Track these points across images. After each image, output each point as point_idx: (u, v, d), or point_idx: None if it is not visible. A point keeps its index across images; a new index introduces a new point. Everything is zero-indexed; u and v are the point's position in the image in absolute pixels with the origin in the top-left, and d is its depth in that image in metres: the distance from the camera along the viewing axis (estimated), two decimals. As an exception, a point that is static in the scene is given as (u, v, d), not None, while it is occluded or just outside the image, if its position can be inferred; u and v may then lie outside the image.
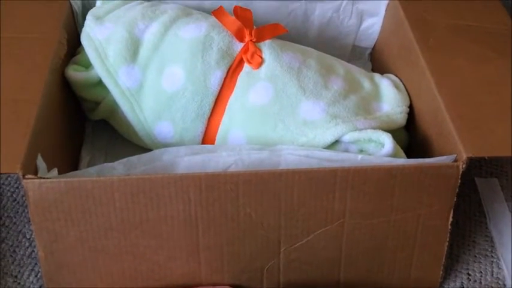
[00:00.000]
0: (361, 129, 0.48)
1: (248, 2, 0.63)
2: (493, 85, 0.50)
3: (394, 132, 0.51)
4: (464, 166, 0.42)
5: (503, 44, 0.55)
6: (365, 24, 0.67)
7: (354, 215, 0.44)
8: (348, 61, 0.68)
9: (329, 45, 0.68)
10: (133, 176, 0.40)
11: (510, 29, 0.57)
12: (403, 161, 0.44)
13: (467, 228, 0.54)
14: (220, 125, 0.51)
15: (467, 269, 0.51)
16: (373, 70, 0.69)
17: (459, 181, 0.43)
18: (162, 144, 0.52)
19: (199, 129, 0.51)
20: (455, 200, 0.44)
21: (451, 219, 0.45)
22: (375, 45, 0.69)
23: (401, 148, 0.52)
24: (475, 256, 0.52)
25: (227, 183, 0.41)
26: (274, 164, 0.44)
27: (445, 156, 0.44)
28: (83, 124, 0.57)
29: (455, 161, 0.44)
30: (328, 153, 0.45)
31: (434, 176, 0.43)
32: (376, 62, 0.68)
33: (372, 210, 0.44)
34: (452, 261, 0.51)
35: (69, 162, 0.52)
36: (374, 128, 0.49)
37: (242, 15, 0.55)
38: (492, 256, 0.52)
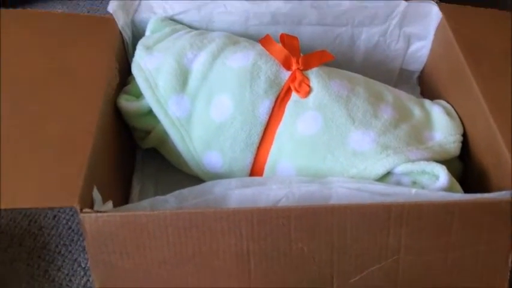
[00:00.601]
0: (413, 161, 0.47)
1: (294, 27, 0.63)
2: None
3: (447, 162, 0.50)
4: (525, 202, 0.41)
5: None
6: (413, 48, 0.66)
7: (409, 252, 0.42)
8: (396, 85, 0.68)
9: (376, 69, 0.67)
10: (186, 210, 0.40)
11: None
12: (459, 196, 0.43)
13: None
14: (269, 155, 0.51)
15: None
16: (422, 94, 0.67)
17: (520, 217, 0.41)
18: (211, 173, 0.52)
19: (248, 159, 0.51)
20: (515, 236, 0.42)
21: (511, 256, 0.43)
22: (423, 68, 0.67)
23: (456, 179, 0.51)
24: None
25: (279, 217, 0.40)
26: (325, 197, 0.44)
27: (503, 192, 0.42)
28: (133, 152, 0.58)
29: (514, 196, 0.42)
30: (381, 187, 0.44)
31: (494, 212, 0.41)
32: (425, 86, 0.67)
33: (428, 247, 0.42)
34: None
35: (121, 191, 0.53)
36: (427, 159, 0.48)
37: (289, 42, 0.55)
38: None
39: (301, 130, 0.50)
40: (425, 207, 0.41)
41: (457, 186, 0.47)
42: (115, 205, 0.43)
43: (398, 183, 0.48)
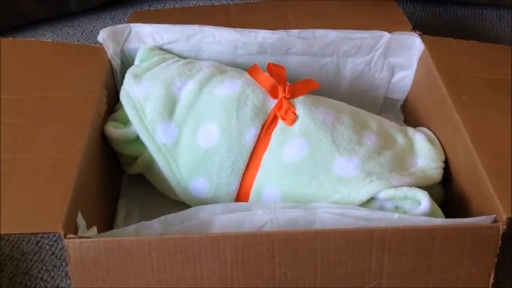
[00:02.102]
0: (396, 186, 0.48)
1: (281, 57, 0.64)
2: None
3: (429, 188, 0.51)
4: (504, 227, 0.41)
5: None
6: (396, 77, 0.68)
7: (391, 276, 0.43)
8: (380, 113, 0.69)
9: (361, 97, 0.68)
10: (171, 235, 0.41)
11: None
12: (441, 221, 0.43)
13: (507, 286, 0.53)
14: (255, 181, 0.51)
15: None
16: (405, 122, 0.69)
17: (500, 242, 0.42)
18: (197, 199, 0.53)
19: (234, 185, 0.51)
20: (496, 260, 0.43)
21: (492, 280, 0.43)
22: (407, 97, 0.69)
23: (437, 204, 0.52)
24: (519, 319, 0.50)
25: (263, 243, 0.41)
26: (309, 223, 0.44)
27: (483, 217, 0.43)
28: (120, 177, 0.59)
29: (495, 221, 0.43)
30: (364, 212, 0.45)
31: (474, 237, 0.42)
32: (409, 114, 0.69)
33: (410, 271, 0.43)
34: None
35: (107, 217, 0.53)
36: (409, 184, 0.49)
37: (276, 71, 0.56)
38: (536, 319, 0.50)
39: (287, 157, 0.51)
40: (407, 232, 0.41)
41: (439, 211, 0.48)
42: (100, 231, 0.43)
43: (381, 209, 0.48)
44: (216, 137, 0.52)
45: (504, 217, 0.42)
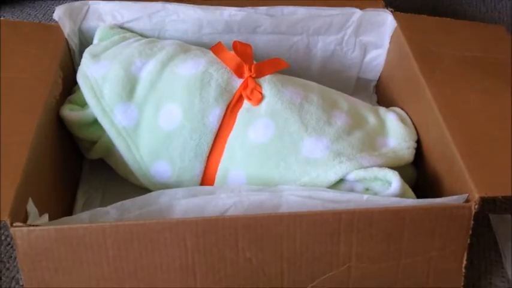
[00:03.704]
0: (366, 167, 0.46)
1: (249, 36, 0.62)
2: (504, 119, 0.48)
3: (401, 168, 0.49)
4: (476, 207, 0.40)
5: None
6: (369, 56, 0.66)
7: (360, 259, 0.41)
8: (353, 93, 0.67)
9: (333, 77, 0.66)
10: (126, 221, 0.38)
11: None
12: (411, 201, 0.42)
13: (482, 268, 0.52)
14: (220, 164, 0.49)
15: (484, 313, 0.48)
16: (379, 102, 0.67)
17: (472, 222, 0.41)
18: (159, 184, 0.50)
19: (197, 168, 0.49)
20: (468, 240, 0.41)
21: (465, 261, 0.42)
22: (380, 77, 0.67)
23: (410, 185, 0.50)
24: (492, 300, 0.49)
25: (225, 227, 0.39)
26: (275, 206, 0.42)
27: (455, 196, 0.42)
28: (80, 163, 0.56)
29: (467, 201, 0.41)
30: (332, 194, 0.43)
31: (446, 218, 0.41)
32: (382, 94, 0.67)
33: (379, 254, 0.41)
34: (468, 306, 0.48)
35: (65, 204, 0.50)
36: (380, 165, 0.47)
37: (242, 50, 0.54)
38: (510, 299, 0.49)
39: (253, 138, 0.49)
40: (376, 214, 0.40)
41: (410, 192, 0.46)
42: (58, 218, 0.40)
43: (352, 190, 0.47)
44: (178, 118, 0.49)
45: (476, 196, 0.40)
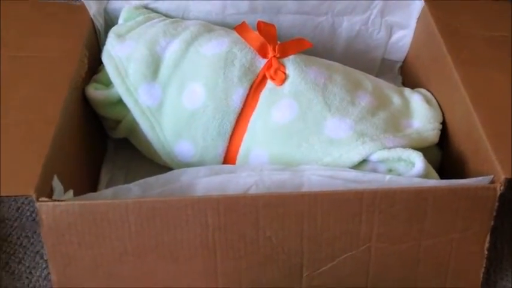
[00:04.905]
0: (390, 148, 0.46)
1: (273, 16, 0.61)
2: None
3: (426, 150, 0.49)
4: (502, 188, 0.39)
5: None
6: (395, 37, 0.65)
7: (381, 239, 0.41)
8: (378, 75, 0.66)
9: (357, 58, 0.65)
10: (149, 198, 0.39)
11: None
12: (434, 182, 0.41)
13: (505, 251, 0.51)
14: (242, 144, 0.49)
15: (506, 298, 0.47)
16: (404, 84, 0.66)
17: (496, 204, 0.40)
18: (182, 163, 0.51)
19: (220, 148, 0.49)
20: (492, 223, 0.41)
21: (487, 244, 0.42)
22: (405, 58, 0.66)
23: (434, 167, 0.50)
24: (514, 284, 0.48)
25: (246, 205, 0.39)
26: (296, 185, 0.42)
27: (481, 177, 0.41)
28: (105, 142, 0.57)
29: (492, 182, 0.41)
30: (354, 174, 0.43)
31: (470, 199, 0.40)
32: (407, 75, 0.66)
33: (401, 235, 0.41)
34: (490, 288, 0.48)
35: (90, 182, 0.51)
36: (404, 146, 0.47)
37: (266, 30, 0.53)
38: (535, 284, 0.48)
39: (276, 118, 0.48)
40: (398, 194, 0.39)
41: (434, 173, 0.45)
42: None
43: (375, 171, 0.46)
44: (201, 97, 0.49)
45: (502, 177, 0.39)
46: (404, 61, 0.66)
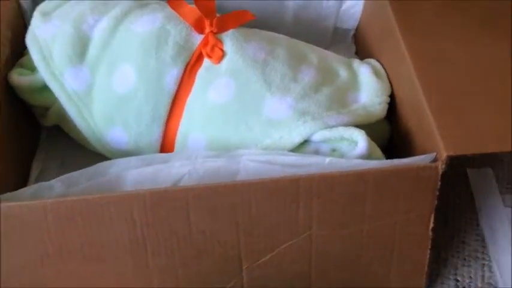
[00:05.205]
0: (332, 127, 0.44)
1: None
2: (482, 71, 0.45)
3: (374, 124, 0.47)
4: (443, 166, 0.37)
5: (502, 23, 0.49)
6: (346, 4, 0.62)
7: (322, 226, 0.39)
8: (331, 44, 0.64)
9: (308, 28, 0.63)
10: (68, 198, 0.36)
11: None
12: (375, 163, 0.39)
13: (456, 226, 0.50)
14: (179, 128, 0.46)
15: (456, 274, 0.46)
16: (357, 53, 0.63)
17: (439, 183, 0.38)
18: (116, 151, 0.48)
19: (156, 133, 0.46)
20: (435, 203, 0.39)
21: (432, 224, 0.40)
22: (358, 26, 0.63)
23: (383, 142, 0.48)
24: (465, 259, 0.47)
25: (175, 199, 0.36)
26: (232, 173, 0.40)
27: (423, 156, 0.39)
28: (38, 130, 0.53)
29: (435, 160, 0.39)
30: (293, 158, 0.40)
31: (411, 179, 0.38)
32: (360, 44, 0.63)
33: (342, 220, 0.39)
34: (439, 266, 0.47)
35: (20, 174, 0.48)
36: (348, 123, 0.45)
37: (203, 3, 0.50)
38: (483, 258, 0.47)
39: (213, 98, 0.46)
40: (336, 178, 0.37)
41: (378, 151, 0.43)
42: (10, 191, 0.38)
43: (317, 152, 0.44)
44: (132, 80, 0.46)
45: (444, 155, 0.37)
46: (357, 29, 0.63)
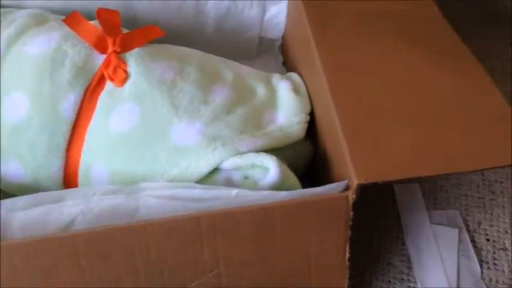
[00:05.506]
0: (243, 153, 0.41)
1: (127, 2, 0.54)
2: (399, 86, 0.43)
3: (295, 144, 0.45)
4: (354, 196, 0.35)
5: (422, 31, 0.48)
6: (269, 13, 0.60)
7: (230, 263, 0.36)
8: (257, 55, 0.62)
9: (232, 39, 0.60)
10: None
11: (431, 12, 0.50)
12: (284, 195, 0.37)
13: (382, 246, 0.48)
14: (81, 158, 0.43)
15: (380, 298, 0.44)
16: (284, 64, 0.61)
17: (351, 213, 0.36)
18: (13, 185, 0.44)
19: (55, 165, 0.42)
20: (349, 233, 0.37)
21: (348, 254, 0.38)
22: (283, 36, 0.61)
23: (306, 161, 0.46)
24: (389, 281, 0.45)
25: (63, 246, 0.33)
26: (131, 211, 0.36)
27: (335, 184, 0.37)
28: None
29: (347, 188, 0.36)
30: (198, 191, 0.37)
31: (321, 210, 0.36)
32: (286, 55, 0.61)
33: (251, 256, 0.37)
34: (364, 291, 0.45)
35: None
36: (263, 147, 0.42)
37: (107, 19, 0.46)
38: (409, 280, 0.46)
39: (115, 126, 0.42)
40: (239, 214, 0.35)
41: (292, 178, 0.41)
42: None
43: (229, 180, 0.41)
44: (25, 108, 0.42)
45: (355, 183, 0.35)
46: (283, 39, 0.61)
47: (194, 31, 0.59)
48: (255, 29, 0.60)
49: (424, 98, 0.42)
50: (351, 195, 0.35)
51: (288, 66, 0.59)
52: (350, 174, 0.36)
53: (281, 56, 0.62)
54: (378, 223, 0.49)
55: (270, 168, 0.40)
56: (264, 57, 0.62)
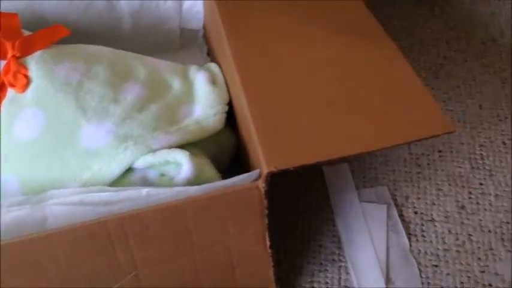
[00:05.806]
0: (156, 150, 0.40)
1: (31, 3, 0.52)
2: (309, 72, 0.43)
3: (216, 135, 0.44)
4: (264, 186, 0.35)
5: (335, 20, 0.47)
6: (186, 5, 0.58)
7: (148, 264, 0.36)
8: (181, 47, 0.61)
9: (151, 32, 0.59)
10: None
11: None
12: (195, 189, 0.36)
13: (313, 229, 0.48)
14: (-11, 170, 0.41)
15: (312, 281, 0.44)
16: (209, 54, 0.60)
17: (265, 201, 0.36)
18: None
19: (-39, 181, 0.40)
20: (266, 221, 0.37)
21: (268, 242, 0.38)
22: (203, 26, 0.60)
23: (231, 150, 0.45)
24: (321, 264, 0.45)
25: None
26: (39, 221, 0.35)
27: (247, 174, 0.36)
28: None
29: (259, 177, 0.36)
30: (107, 194, 0.36)
31: (234, 202, 0.35)
32: (208, 45, 0.60)
33: (168, 254, 0.36)
34: (296, 275, 0.45)
35: None
36: (178, 143, 0.41)
37: (5, 23, 0.44)
38: (340, 260, 0.46)
39: (20, 134, 0.40)
40: (148, 214, 0.34)
41: (208, 171, 0.40)
42: None
43: (145, 179, 0.40)
44: None
45: (265, 172, 0.35)
46: (204, 29, 0.60)
47: (110, 30, 0.57)
48: (175, 20, 0.59)
49: (335, 81, 0.41)
50: (262, 185, 0.35)
51: (211, 55, 0.59)
52: (261, 163, 0.36)
53: (206, 46, 0.61)
54: (308, 205, 0.49)
55: (183, 163, 0.39)
56: (189, 48, 0.61)
